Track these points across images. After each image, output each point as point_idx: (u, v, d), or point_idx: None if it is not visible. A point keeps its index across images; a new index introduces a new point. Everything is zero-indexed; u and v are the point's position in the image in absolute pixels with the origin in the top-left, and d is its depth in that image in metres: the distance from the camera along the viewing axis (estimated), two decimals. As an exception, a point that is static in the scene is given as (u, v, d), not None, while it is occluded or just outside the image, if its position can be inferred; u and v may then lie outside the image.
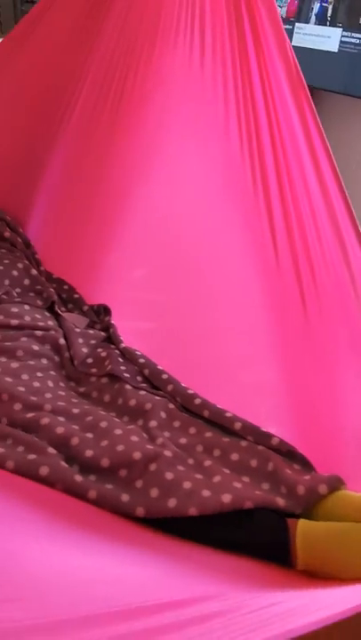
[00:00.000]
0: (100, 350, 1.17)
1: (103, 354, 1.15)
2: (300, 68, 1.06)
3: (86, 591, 0.48)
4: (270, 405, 1.12)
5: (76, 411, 0.95)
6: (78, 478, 0.81)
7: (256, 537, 0.80)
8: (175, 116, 1.28)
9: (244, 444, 0.91)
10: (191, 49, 1.26)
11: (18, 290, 1.25)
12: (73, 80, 1.29)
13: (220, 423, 0.95)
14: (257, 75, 1.12)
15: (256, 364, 1.19)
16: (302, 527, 0.78)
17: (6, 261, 1.29)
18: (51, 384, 1.04)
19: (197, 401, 0.99)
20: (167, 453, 0.85)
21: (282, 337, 1.14)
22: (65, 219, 1.39)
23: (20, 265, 1.30)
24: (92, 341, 1.19)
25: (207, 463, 0.87)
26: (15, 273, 1.27)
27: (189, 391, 1.02)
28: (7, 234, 1.37)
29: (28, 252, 1.37)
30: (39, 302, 1.25)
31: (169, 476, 0.81)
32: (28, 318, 1.15)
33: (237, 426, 0.93)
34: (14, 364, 1.03)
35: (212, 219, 1.22)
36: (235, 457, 0.89)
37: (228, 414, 0.95)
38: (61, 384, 1.07)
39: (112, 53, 1.26)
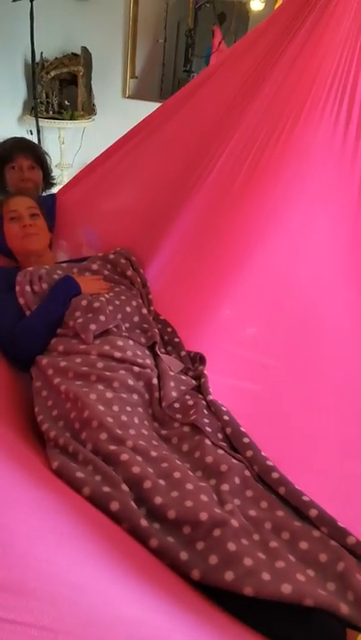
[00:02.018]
0: (187, 397, 1.20)
1: (190, 402, 1.18)
2: None
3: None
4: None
5: (154, 454, 0.98)
6: (143, 523, 0.83)
7: (309, 639, 0.74)
8: (306, 190, 1.30)
9: (316, 534, 0.86)
10: (336, 124, 1.29)
11: (127, 325, 1.34)
12: (214, 146, 1.39)
13: (294, 505, 0.91)
14: None
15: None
16: None
17: (123, 297, 1.40)
18: (136, 420, 1.09)
19: (275, 475, 0.96)
20: (234, 523, 0.83)
21: None
22: (183, 268, 1.47)
23: (134, 303, 1.40)
24: (183, 387, 1.23)
25: (273, 544, 0.83)
26: (128, 309, 1.37)
27: (268, 462, 0.99)
28: (129, 272, 1.49)
29: (144, 292, 1.47)
30: (143, 340, 1.33)
31: (231, 547, 0.79)
32: (130, 353, 1.22)
33: (313, 513, 0.88)
34: (109, 394, 1.10)
35: (336, 298, 1.19)
36: (303, 545, 0.84)
37: (305, 498, 0.90)
38: (146, 422, 1.11)
39: (255, 126, 1.34)
